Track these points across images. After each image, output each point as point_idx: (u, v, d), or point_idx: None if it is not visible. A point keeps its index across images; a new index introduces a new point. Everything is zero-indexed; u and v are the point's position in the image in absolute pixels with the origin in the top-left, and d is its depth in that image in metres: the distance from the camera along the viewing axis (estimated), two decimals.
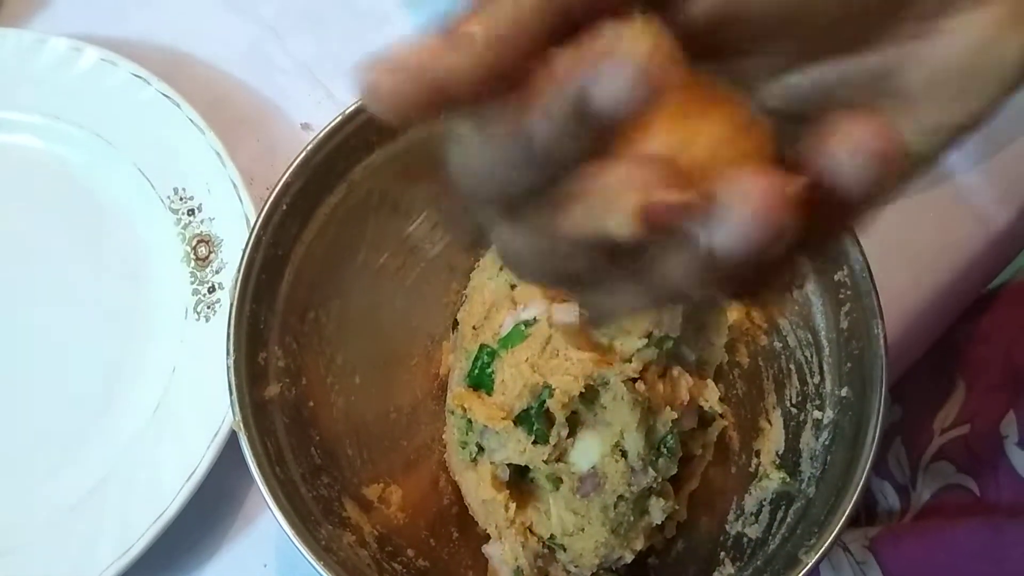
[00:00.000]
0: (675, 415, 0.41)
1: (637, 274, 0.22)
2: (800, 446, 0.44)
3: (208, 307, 0.50)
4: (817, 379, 0.44)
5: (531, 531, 0.43)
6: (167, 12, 0.61)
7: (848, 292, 0.42)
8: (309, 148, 0.43)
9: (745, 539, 0.44)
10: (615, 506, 0.41)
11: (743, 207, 0.18)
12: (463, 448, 0.44)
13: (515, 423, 0.41)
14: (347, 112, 0.43)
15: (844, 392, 0.42)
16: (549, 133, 0.19)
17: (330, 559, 0.38)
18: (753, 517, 0.44)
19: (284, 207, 0.43)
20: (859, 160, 0.19)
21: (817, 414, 0.43)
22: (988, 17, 0.21)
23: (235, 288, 0.41)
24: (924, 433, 0.54)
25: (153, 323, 0.51)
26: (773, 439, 0.45)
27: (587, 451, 0.41)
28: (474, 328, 0.46)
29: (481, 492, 0.43)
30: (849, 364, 0.42)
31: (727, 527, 0.45)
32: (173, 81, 0.54)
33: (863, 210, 0.23)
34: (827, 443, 0.42)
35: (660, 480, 0.41)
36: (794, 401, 0.45)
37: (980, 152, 0.57)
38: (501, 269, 0.47)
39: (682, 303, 0.22)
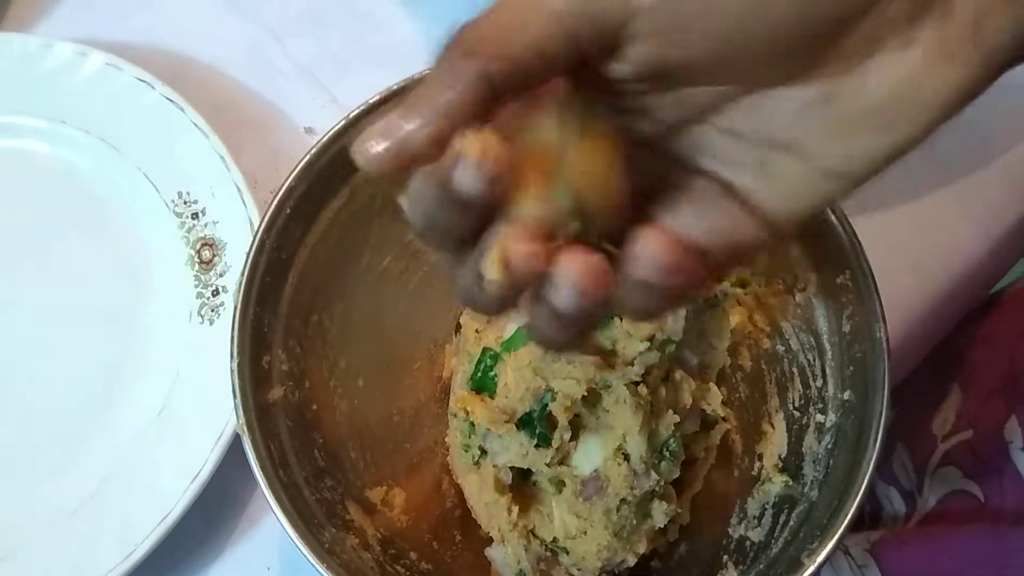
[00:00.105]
0: (677, 419, 0.41)
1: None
2: (803, 449, 0.44)
3: (212, 310, 0.50)
4: (820, 382, 0.44)
5: (534, 534, 0.43)
6: (171, 16, 0.61)
7: (850, 296, 0.42)
8: (312, 152, 0.43)
9: (748, 542, 0.44)
10: (617, 509, 0.41)
11: (566, 279, 0.23)
12: (466, 451, 0.44)
13: (518, 426, 0.42)
14: (350, 116, 0.43)
15: (846, 395, 0.42)
16: (447, 200, 0.23)
17: (333, 562, 0.38)
18: (756, 520, 0.44)
19: (288, 211, 0.43)
20: (652, 273, 0.23)
21: (820, 417, 0.43)
22: (916, 54, 0.22)
23: (238, 291, 0.41)
24: (925, 437, 0.54)
25: (157, 326, 0.51)
26: (776, 442, 0.45)
27: (589, 454, 0.41)
28: (477, 331, 0.46)
29: (484, 495, 0.44)
30: (851, 367, 0.42)
31: (730, 530, 0.45)
32: (177, 85, 0.54)
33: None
34: (830, 446, 0.42)
35: (662, 483, 0.42)
36: (797, 404, 0.45)
37: (982, 156, 0.57)
38: None
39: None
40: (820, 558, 0.38)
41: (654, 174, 0.27)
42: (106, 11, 0.61)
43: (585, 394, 0.40)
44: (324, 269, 0.45)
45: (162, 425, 0.48)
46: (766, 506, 0.44)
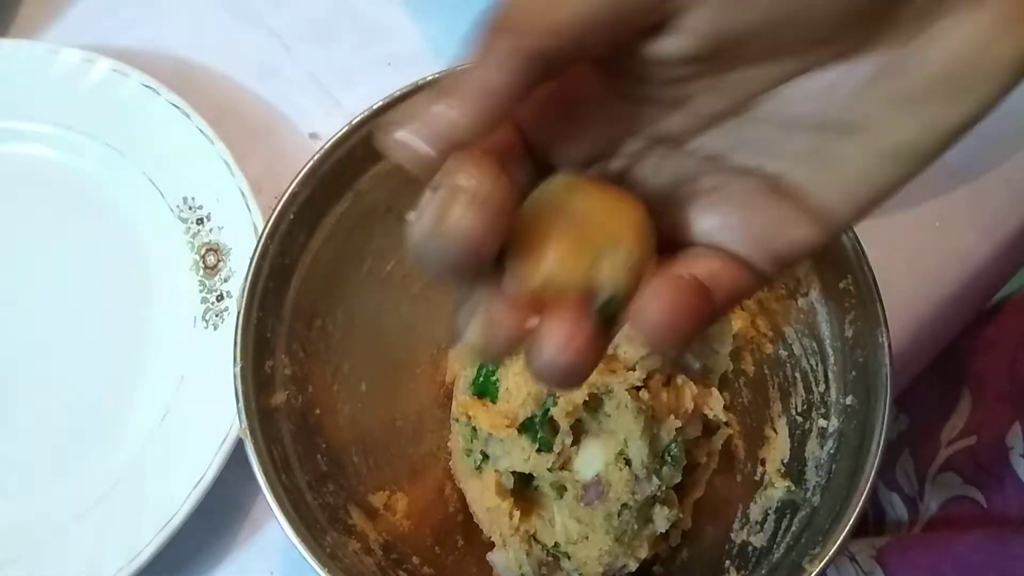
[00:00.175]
0: (679, 424, 0.41)
1: None
2: (805, 455, 0.44)
3: (216, 315, 0.51)
4: (822, 387, 0.44)
5: (535, 539, 0.43)
6: (178, 23, 0.61)
7: (853, 300, 0.42)
8: (316, 158, 0.43)
9: (750, 548, 0.43)
10: (619, 514, 0.41)
11: (548, 342, 0.22)
12: (468, 456, 0.44)
13: (519, 431, 0.42)
14: (354, 122, 0.43)
15: (849, 401, 0.42)
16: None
17: (335, 567, 0.38)
18: (758, 526, 0.44)
19: (291, 216, 0.43)
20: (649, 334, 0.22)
21: (822, 423, 0.43)
22: (985, 17, 0.21)
23: (242, 296, 0.41)
24: (931, 444, 0.54)
25: (162, 331, 0.52)
26: (778, 448, 0.45)
27: (591, 459, 0.41)
28: None
29: (486, 500, 0.44)
30: (854, 372, 0.42)
31: (732, 535, 0.45)
32: (183, 91, 0.54)
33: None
34: (832, 452, 0.42)
35: (664, 488, 0.41)
36: (799, 409, 0.45)
37: (987, 160, 0.57)
38: None
39: None
40: (822, 563, 0.38)
41: (685, 177, 0.25)
42: (113, 18, 0.61)
43: (587, 399, 0.40)
44: (327, 274, 0.45)
45: (166, 430, 0.48)
46: (768, 511, 0.44)
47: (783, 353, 0.46)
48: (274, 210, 0.42)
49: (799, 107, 0.23)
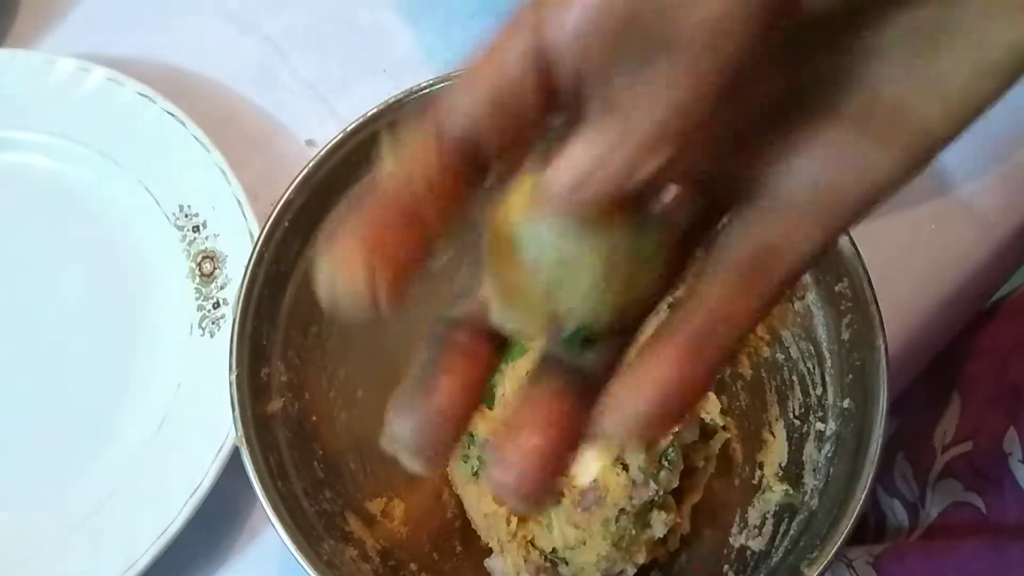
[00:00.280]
0: (676, 428, 0.41)
1: None
2: (803, 458, 0.43)
3: (213, 322, 0.51)
4: (819, 390, 0.44)
5: (533, 545, 0.43)
6: (173, 32, 0.61)
7: (849, 303, 0.42)
8: (311, 165, 0.43)
9: (748, 552, 0.43)
10: (616, 519, 0.41)
11: (494, 469, 0.21)
12: (465, 461, 0.44)
13: None
14: (348, 129, 0.43)
15: (846, 404, 0.42)
16: None
17: (333, 574, 0.38)
18: (756, 530, 0.44)
19: (286, 223, 0.43)
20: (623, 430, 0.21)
21: (820, 426, 0.43)
22: None
23: (237, 304, 0.41)
24: (926, 448, 0.54)
25: (158, 338, 0.52)
26: (776, 451, 0.45)
27: (588, 465, 0.41)
28: None
29: (483, 506, 0.43)
30: (851, 375, 0.42)
31: (731, 540, 0.45)
32: (178, 100, 0.54)
33: None
34: (829, 455, 0.42)
35: (662, 493, 0.41)
36: (797, 413, 0.45)
37: (984, 163, 0.57)
38: None
39: None
40: (820, 568, 0.38)
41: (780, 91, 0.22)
42: (108, 27, 0.61)
43: None
44: None
45: (163, 437, 0.48)
46: (767, 515, 0.44)
47: (780, 356, 0.46)
48: (269, 217, 0.42)
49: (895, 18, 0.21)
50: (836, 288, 0.42)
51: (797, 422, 0.45)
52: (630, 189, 0.19)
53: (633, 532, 0.41)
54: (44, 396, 0.51)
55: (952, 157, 0.56)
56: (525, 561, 0.42)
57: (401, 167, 0.20)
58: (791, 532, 0.42)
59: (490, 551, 0.45)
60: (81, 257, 0.54)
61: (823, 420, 0.43)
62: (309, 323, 0.45)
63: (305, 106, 0.59)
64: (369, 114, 0.43)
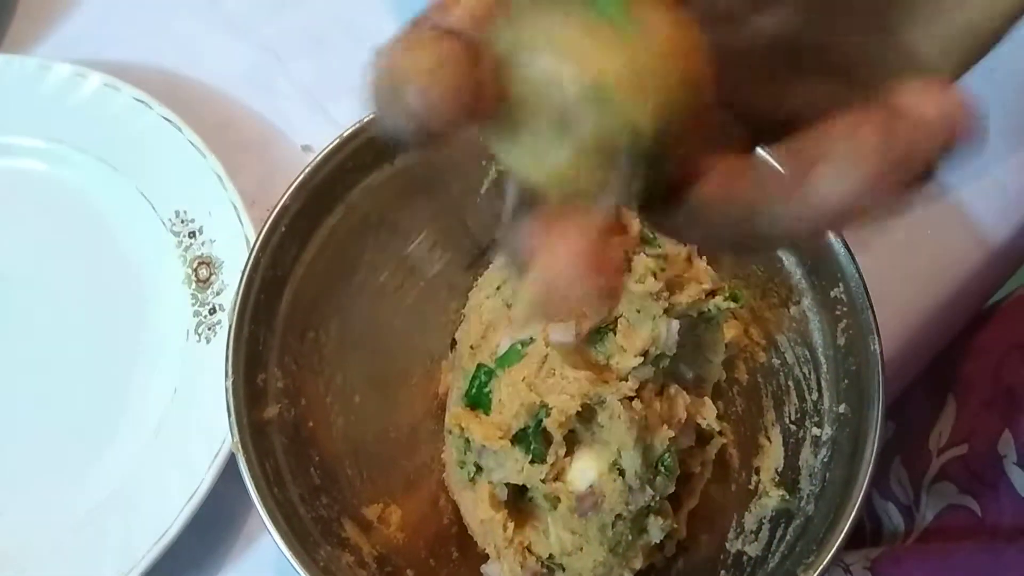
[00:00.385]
0: (672, 433, 0.41)
1: None
2: (799, 463, 0.44)
3: (209, 328, 0.51)
4: (815, 396, 0.44)
5: (529, 551, 0.43)
6: (169, 37, 0.61)
7: (844, 308, 0.42)
8: (307, 171, 0.43)
9: (745, 557, 0.43)
10: (613, 525, 0.41)
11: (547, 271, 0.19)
12: (461, 468, 0.44)
13: (512, 442, 0.41)
14: (344, 134, 0.44)
15: (842, 409, 0.42)
16: None
17: None
18: (753, 535, 0.44)
19: (283, 229, 0.43)
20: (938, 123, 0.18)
21: (816, 431, 0.43)
22: None
23: (233, 310, 0.41)
24: (921, 452, 0.54)
25: (155, 344, 0.51)
26: (772, 456, 0.45)
27: (584, 470, 0.41)
28: (472, 347, 0.46)
29: (479, 512, 0.43)
30: (846, 381, 0.42)
31: (727, 545, 0.45)
32: (175, 105, 0.54)
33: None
34: (826, 460, 0.42)
35: (658, 499, 0.41)
36: (793, 418, 0.45)
37: (978, 168, 0.57)
38: (499, 288, 0.47)
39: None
40: (816, 572, 0.38)
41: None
42: (104, 33, 0.61)
43: (579, 409, 0.40)
44: (320, 286, 0.45)
45: (160, 443, 0.48)
46: (763, 520, 0.44)
47: (776, 362, 0.46)
48: (265, 223, 0.42)
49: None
50: (831, 293, 0.43)
51: (793, 427, 0.45)
52: None
53: (630, 538, 0.41)
54: (41, 402, 0.51)
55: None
56: (522, 567, 0.42)
57: None
58: (787, 537, 0.42)
59: (487, 557, 0.45)
60: (77, 263, 0.54)
61: (819, 425, 0.43)
62: (306, 328, 0.45)
63: (301, 111, 0.59)
64: (365, 119, 0.43)
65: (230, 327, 0.41)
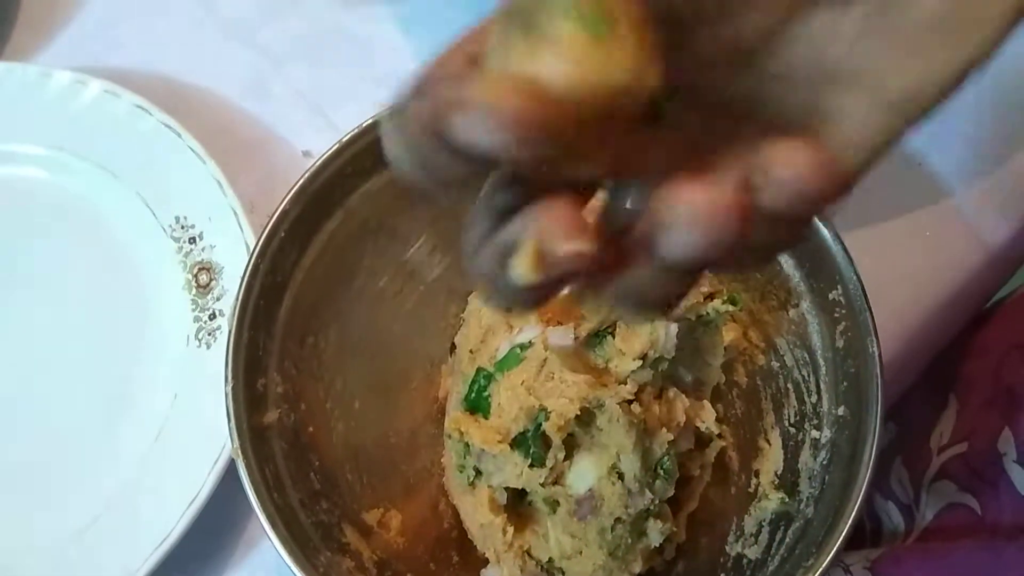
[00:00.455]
0: (671, 436, 0.41)
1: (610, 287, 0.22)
2: (799, 466, 0.44)
3: (209, 334, 0.51)
4: (815, 398, 0.44)
5: (529, 555, 0.43)
6: (169, 44, 0.62)
7: (843, 311, 0.42)
8: (306, 176, 0.43)
9: (745, 560, 0.43)
10: (612, 528, 0.41)
11: (689, 219, 0.19)
12: (461, 472, 0.44)
13: (512, 446, 0.42)
14: (344, 140, 0.44)
15: (841, 411, 0.42)
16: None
17: None
18: (753, 538, 0.44)
19: (282, 234, 0.43)
20: (794, 187, 0.20)
21: (815, 434, 0.43)
22: None
23: (233, 315, 0.41)
24: (923, 451, 0.54)
25: (155, 350, 0.52)
26: (772, 459, 0.45)
27: (584, 474, 0.41)
28: (471, 352, 0.46)
29: (479, 516, 0.43)
30: (845, 383, 0.42)
31: (727, 548, 0.45)
32: (175, 111, 0.55)
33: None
34: (825, 463, 0.42)
35: (657, 502, 0.41)
36: (792, 421, 0.45)
37: (977, 169, 0.57)
38: None
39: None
40: (815, 575, 0.38)
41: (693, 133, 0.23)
42: (104, 40, 0.61)
43: (578, 413, 0.40)
44: (319, 291, 0.45)
45: (160, 449, 0.48)
46: (763, 523, 0.44)
47: (775, 364, 0.46)
48: (265, 228, 0.43)
49: (797, 58, 0.22)
50: (830, 296, 0.43)
51: (792, 430, 0.45)
52: None
53: (629, 541, 0.41)
54: (42, 407, 0.52)
55: (946, 164, 0.56)
56: (521, 571, 0.42)
57: None
58: (787, 540, 0.42)
59: (487, 561, 0.45)
60: (78, 269, 0.54)
61: (818, 428, 0.43)
62: (306, 334, 0.45)
63: (301, 117, 0.59)
64: (365, 124, 0.43)
65: (230, 332, 0.41)
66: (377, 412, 0.48)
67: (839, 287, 0.42)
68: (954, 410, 0.54)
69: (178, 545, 0.45)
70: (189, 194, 0.53)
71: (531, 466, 0.41)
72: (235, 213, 0.51)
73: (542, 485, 0.41)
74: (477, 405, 0.44)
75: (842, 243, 0.42)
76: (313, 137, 0.58)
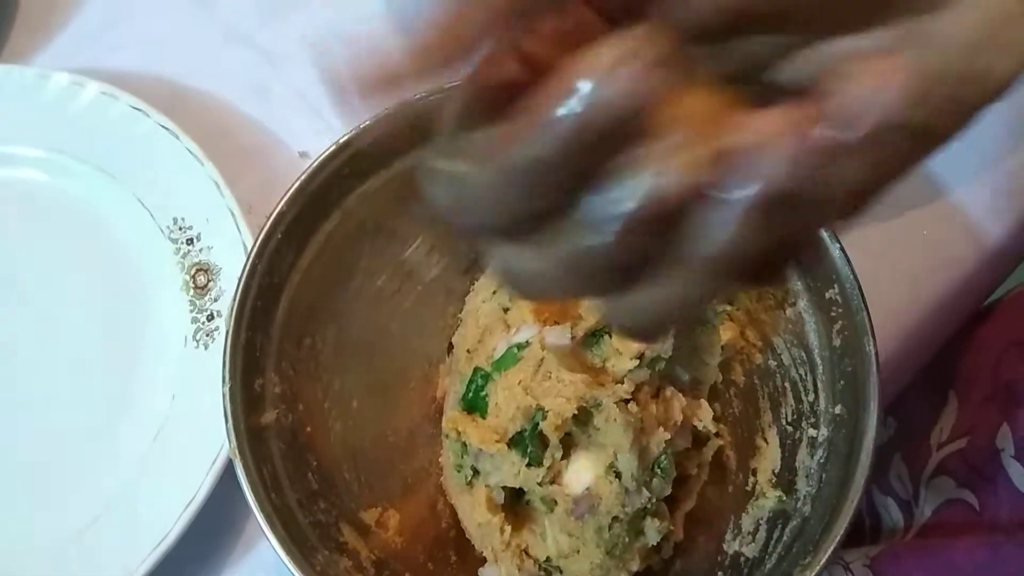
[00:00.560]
0: (668, 435, 0.41)
1: (666, 264, 0.21)
2: (796, 464, 0.44)
3: (207, 335, 0.51)
4: (812, 397, 0.44)
5: (527, 554, 0.43)
6: (167, 45, 0.62)
7: (840, 310, 0.42)
8: (303, 177, 0.43)
9: (742, 558, 0.43)
10: (610, 527, 0.41)
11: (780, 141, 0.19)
12: (458, 471, 0.44)
13: (509, 446, 0.42)
14: (340, 141, 0.44)
15: (838, 410, 0.42)
16: (554, 151, 0.19)
17: None
18: (750, 536, 0.44)
19: (279, 235, 0.43)
20: (884, 94, 0.19)
21: (812, 432, 0.43)
22: None
23: (231, 316, 0.41)
24: (922, 448, 0.54)
25: (153, 351, 0.52)
26: (769, 457, 0.45)
27: (581, 473, 0.41)
28: (469, 351, 0.46)
29: (477, 515, 0.44)
30: (842, 382, 0.42)
31: (724, 547, 0.45)
32: (172, 113, 0.55)
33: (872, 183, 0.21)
34: (822, 461, 0.42)
35: (655, 501, 0.41)
36: (789, 419, 0.45)
37: (974, 168, 0.57)
38: (495, 292, 0.47)
39: (703, 298, 0.22)
40: (813, 573, 0.38)
41: None
42: (102, 42, 0.62)
43: (576, 412, 0.40)
44: (317, 292, 0.45)
45: (158, 449, 0.49)
46: (760, 521, 0.44)
47: (772, 363, 0.46)
48: (262, 229, 0.43)
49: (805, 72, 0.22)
50: (827, 295, 0.43)
51: (790, 428, 0.45)
52: None
53: (626, 540, 0.42)
54: (41, 408, 0.52)
55: (943, 163, 0.56)
56: (519, 570, 0.42)
57: None
58: (784, 538, 0.42)
59: (484, 560, 0.45)
60: (76, 271, 0.54)
61: (815, 426, 0.43)
62: (303, 334, 0.45)
63: (298, 118, 0.59)
64: (362, 126, 0.44)
65: (227, 333, 0.41)
66: (375, 412, 0.48)
67: (836, 286, 0.42)
68: (954, 407, 0.54)
69: (176, 545, 0.45)
70: (187, 195, 0.53)
71: (528, 465, 0.41)
72: (233, 214, 0.52)
73: (539, 484, 0.41)
74: (474, 405, 0.44)
75: (839, 242, 0.42)
76: (311, 138, 0.59)
